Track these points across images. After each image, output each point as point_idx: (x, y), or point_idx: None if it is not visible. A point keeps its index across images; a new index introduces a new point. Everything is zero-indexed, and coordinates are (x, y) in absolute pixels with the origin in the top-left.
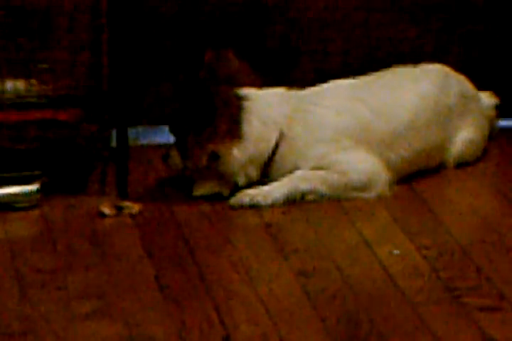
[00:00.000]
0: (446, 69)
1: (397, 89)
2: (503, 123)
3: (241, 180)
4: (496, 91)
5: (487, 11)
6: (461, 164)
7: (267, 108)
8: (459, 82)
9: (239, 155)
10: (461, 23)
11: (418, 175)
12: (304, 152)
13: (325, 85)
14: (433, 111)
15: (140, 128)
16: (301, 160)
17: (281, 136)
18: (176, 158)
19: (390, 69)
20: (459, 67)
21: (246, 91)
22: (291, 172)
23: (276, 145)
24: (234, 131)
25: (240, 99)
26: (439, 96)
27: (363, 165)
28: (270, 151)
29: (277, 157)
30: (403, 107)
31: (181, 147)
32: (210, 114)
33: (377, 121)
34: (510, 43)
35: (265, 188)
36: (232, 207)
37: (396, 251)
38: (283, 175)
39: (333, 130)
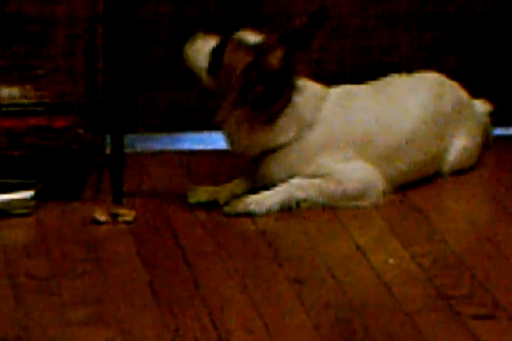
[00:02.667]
0: (440, 76)
1: (397, 100)
2: (498, 131)
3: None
4: (490, 98)
5: (481, 18)
6: (456, 172)
7: (306, 103)
8: (453, 90)
9: (254, 136)
10: (455, 30)
11: (413, 183)
12: (308, 157)
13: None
14: (431, 122)
15: (136, 135)
16: (302, 164)
17: (297, 135)
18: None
19: (387, 78)
20: (453, 75)
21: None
22: (288, 174)
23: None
24: (273, 116)
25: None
26: (436, 106)
27: (359, 175)
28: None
29: (283, 153)
30: (404, 120)
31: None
32: (281, 95)
33: (380, 133)
34: (505, 51)
35: (260, 196)
36: (227, 215)
37: (391, 260)
38: (279, 176)
39: (342, 139)
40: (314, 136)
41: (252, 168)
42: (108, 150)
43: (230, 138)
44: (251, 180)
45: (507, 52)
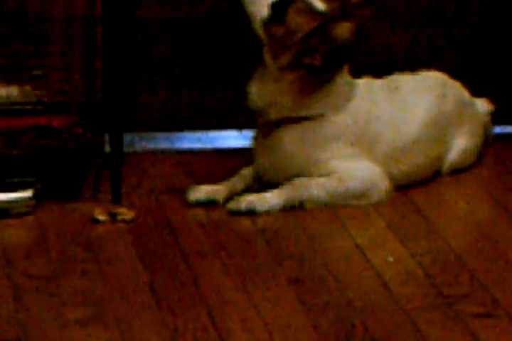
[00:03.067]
0: (443, 76)
1: (405, 101)
2: (498, 129)
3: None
4: (490, 97)
5: (482, 16)
6: (456, 170)
7: (344, 85)
8: (455, 90)
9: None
10: (455, 28)
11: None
12: (323, 139)
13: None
14: (435, 124)
15: (134, 135)
16: (314, 147)
17: (324, 113)
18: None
19: (392, 77)
20: (453, 73)
21: None
22: (296, 152)
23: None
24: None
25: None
26: (440, 107)
27: (363, 174)
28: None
29: (301, 127)
30: (410, 121)
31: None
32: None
33: (387, 134)
34: (505, 49)
35: (263, 194)
36: (229, 212)
37: (390, 258)
38: (287, 152)
39: (357, 133)
40: (337, 121)
41: (260, 140)
42: (107, 150)
43: (260, 93)
44: (249, 178)
45: (506, 50)
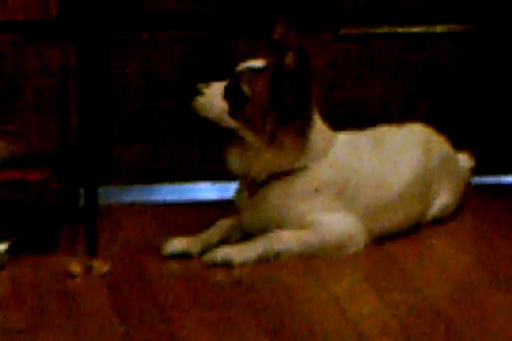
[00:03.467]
0: (429, 130)
1: (390, 156)
2: (475, 180)
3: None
4: (466, 147)
5: (455, 68)
6: (432, 221)
7: (321, 135)
8: (440, 144)
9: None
10: (429, 80)
11: None
12: (306, 191)
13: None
14: (419, 181)
15: (109, 187)
16: (297, 200)
17: (306, 164)
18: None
19: (378, 129)
20: (427, 124)
21: None
22: (283, 206)
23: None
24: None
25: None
26: (425, 164)
27: (340, 226)
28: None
29: (286, 181)
30: (395, 178)
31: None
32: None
33: (369, 189)
34: (482, 101)
35: (239, 246)
36: (206, 264)
37: (366, 309)
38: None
39: (331, 188)
40: (319, 173)
41: (245, 196)
42: (82, 203)
43: (240, 161)
44: (225, 230)
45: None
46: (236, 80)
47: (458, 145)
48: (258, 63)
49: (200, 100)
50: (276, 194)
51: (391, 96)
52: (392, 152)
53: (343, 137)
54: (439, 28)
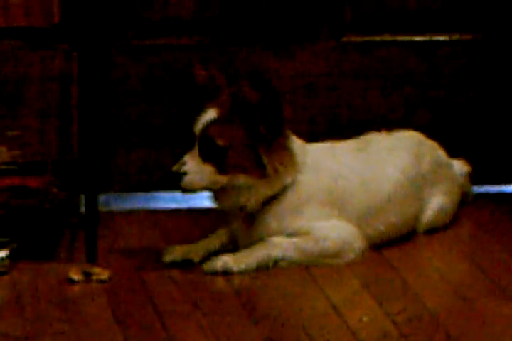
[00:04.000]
0: (420, 136)
1: (377, 161)
2: (476, 188)
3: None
4: (466, 157)
5: (453, 78)
6: (431, 230)
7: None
8: (431, 150)
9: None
10: (428, 89)
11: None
12: (299, 205)
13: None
14: (410, 184)
15: (110, 195)
16: (292, 216)
17: (292, 181)
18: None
19: (367, 136)
20: (427, 133)
21: None
22: (281, 225)
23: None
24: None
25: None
26: (415, 167)
27: (337, 234)
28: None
29: (277, 203)
30: (383, 181)
31: (219, 160)
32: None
33: (358, 193)
34: (480, 110)
35: (239, 254)
36: (205, 272)
37: (364, 318)
38: (274, 229)
39: (319, 195)
40: (306, 184)
41: (243, 226)
42: (82, 210)
43: (229, 199)
44: (225, 237)
45: (484, 114)
46: (205, 140)
47: (457, 154)
48: (211, 114)
49: (187, 179)
50: (272, 216)
51: (390, 104)
52: (379, 156)
53: (323, 146)
54: (441, 37)
